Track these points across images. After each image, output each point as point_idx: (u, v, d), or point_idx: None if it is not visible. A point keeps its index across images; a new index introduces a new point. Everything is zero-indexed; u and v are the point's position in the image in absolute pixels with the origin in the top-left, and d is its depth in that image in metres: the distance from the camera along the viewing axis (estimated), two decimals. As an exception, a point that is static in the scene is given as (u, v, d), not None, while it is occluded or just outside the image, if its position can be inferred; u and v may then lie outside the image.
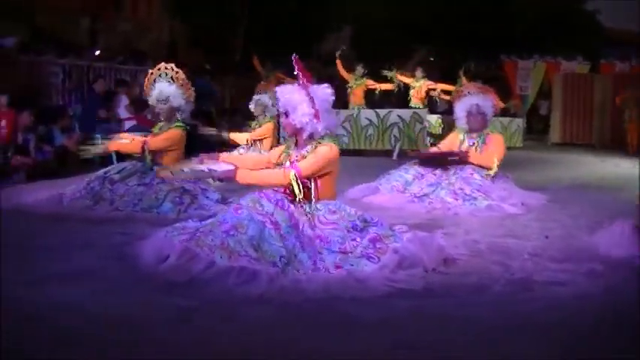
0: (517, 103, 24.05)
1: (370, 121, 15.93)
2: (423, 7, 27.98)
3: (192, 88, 8.57)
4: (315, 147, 5.40)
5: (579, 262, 5.34)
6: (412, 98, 17.35)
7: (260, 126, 10.98)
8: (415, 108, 16.66)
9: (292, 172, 5.26)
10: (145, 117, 9.12)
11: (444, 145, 9.26)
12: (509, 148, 19.09)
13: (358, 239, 5.14)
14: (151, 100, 8.39)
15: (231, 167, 5.51)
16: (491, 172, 8.56)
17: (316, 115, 5.33)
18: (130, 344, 3.60)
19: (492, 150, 8.83)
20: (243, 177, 5.47)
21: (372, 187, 8.89)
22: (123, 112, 13.86)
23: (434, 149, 9.37)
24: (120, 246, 5.73)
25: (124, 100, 14.16)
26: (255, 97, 11.23)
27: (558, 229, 6.86)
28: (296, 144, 5.59)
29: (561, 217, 7.57)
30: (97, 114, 13.56)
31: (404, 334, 3.82)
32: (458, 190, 8.25)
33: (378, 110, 16.35)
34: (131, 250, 5.48)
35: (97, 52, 17.16)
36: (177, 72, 8.41)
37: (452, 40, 27.75)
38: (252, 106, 11.25)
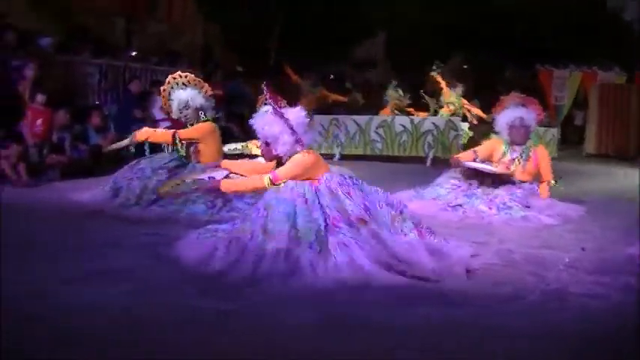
0: (552, 114, 23.88)
1: (404, 127, 15.85)
2: (460, 13, 27.86)
3: (207, 85, 8.76)
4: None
5: (615, 276, 5.27)
6: (444, 112, 17.12)
7: None
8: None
9: (267, 177, 5.41)
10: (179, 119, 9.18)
11: (482, 152, 8.95)
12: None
13: None
14: (175, 114, 8.54)
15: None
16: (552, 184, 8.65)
17: (298, 141, 5.48)
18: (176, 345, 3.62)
19: (544, 166, 8.81)
20: (227, 187, 5.69)
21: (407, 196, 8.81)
22: (158, 112, 13.89)
23: (470, 153, 9.03)
24: (155, 246, 5.75)
25: (159, 101, 14.18)
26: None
27: (594, 241, 6.78)
28: (278, 165, 5.64)
29: (597, 229, 7.48)
30: (132, 114, 13.63)
31: (435, 341, 3.79)
32: (493, 198, 8.16)
33: (412, 117, 16.31)
34: (168, 250, 5.52)
35: (133, 53, 17.24)
36: (186, 76, 8.63)
37: (487, 48, 27.58)
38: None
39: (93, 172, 10.31)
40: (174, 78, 8.61)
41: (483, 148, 9.06)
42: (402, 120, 16.09)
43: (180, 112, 8.43)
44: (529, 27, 28.47)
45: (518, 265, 5.63)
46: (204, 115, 8.47)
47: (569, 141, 24.74)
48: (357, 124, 16.09)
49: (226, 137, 10.22)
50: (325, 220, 5.14)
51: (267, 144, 5.57)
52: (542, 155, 8.87)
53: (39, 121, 10.76)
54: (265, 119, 5.52)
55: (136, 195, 7.88)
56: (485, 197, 8.24)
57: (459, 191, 8.50)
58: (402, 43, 27.62)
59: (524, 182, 8.57)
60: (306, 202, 5.18)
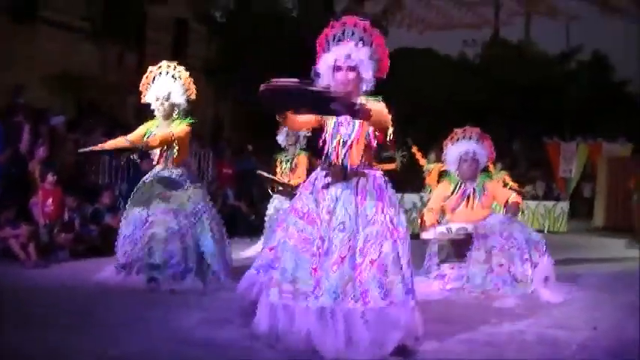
0: (560, 186, 23.98)
1: (414, 204, 15.81)
2: (472, 84, 28.18)
3: (194, 89, 8.45)
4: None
5: (628, 357, 5.23)
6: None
7: (292, 161, 9.98)
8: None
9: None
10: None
11: (437, 204, 8.62)
12: (553, 233, 19.08)
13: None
14: (149, 97, 8.28)
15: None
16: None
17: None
18: None
19: (500, 190, 8.66)
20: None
21: None
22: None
23: (430, 217, 8.46)
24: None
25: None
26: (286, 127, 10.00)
27: (606, 320, 6.70)
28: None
29: (608, 307, 7.41)
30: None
31: None
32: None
33: (422, 194, 16.27)
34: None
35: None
36: (180, 70, 8.39)
37: (496, 120, 27.80)
38: (281, 138, 10.04)
39: (103, 252, 10.28)
40: (169, 66, 8.38)
41: (437, 200, 8.68)
42: (412, 197, 16.03)
43: (157, 100, 8.22)
44: (539, 100, 28.72)
45: (532, 348, 5.55)
46: (179, 114, 8.31)
47: (579, 214, 24.68)
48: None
49: (236, 217, 10.14)
50: None
51: (352, 69, 5.26)
52: (493, 185, 8.69)
53: (49, 201, 10.79)
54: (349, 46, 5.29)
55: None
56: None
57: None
58: (416, 112, 27.92)
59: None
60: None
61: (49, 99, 17.05)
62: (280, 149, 10.12)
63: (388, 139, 5.26)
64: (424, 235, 8.28)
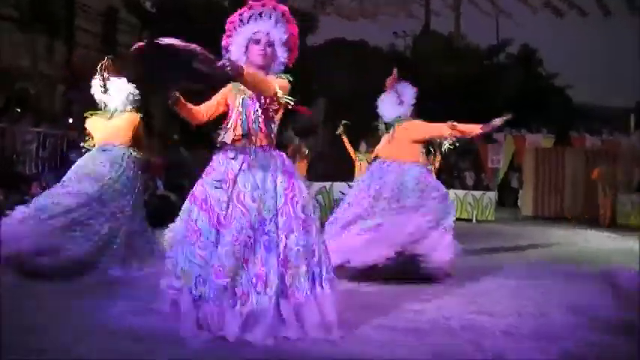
0: (489, 177, 24.35)
1: (343, 194, 15.89)
2: (403, 76, 28.32)
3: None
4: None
5: (552, 341, 5.33)
6: (358, 171, 17.11)
7: None
8: None
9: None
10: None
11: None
12: (482, 222, 19.40)
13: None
14: (112, 90, 8.37)
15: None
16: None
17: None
18: None
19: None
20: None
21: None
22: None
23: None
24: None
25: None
26: None
27: (531, 306, 6.83)
28: None
29: (534, 293, 7.54)
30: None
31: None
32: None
33: (350, 183, 16.34)
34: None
35: (70, 121, 17.14)
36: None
37: (422, 114, 28.01)
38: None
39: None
40: None
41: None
42: (340, 186, 16.17)
43: (119, 94, 8.36)
44: (466, 93, 29.03)
45: (456, 333, 5.61)
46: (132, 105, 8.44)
47: (507, 204, 25.09)
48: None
49: (167, 206, 10.08)
50: None
51: (270, 45, 5.31)
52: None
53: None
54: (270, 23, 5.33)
55: None
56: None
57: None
58: (340, 108, 28.00)
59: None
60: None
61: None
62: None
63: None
64: None
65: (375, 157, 8.87)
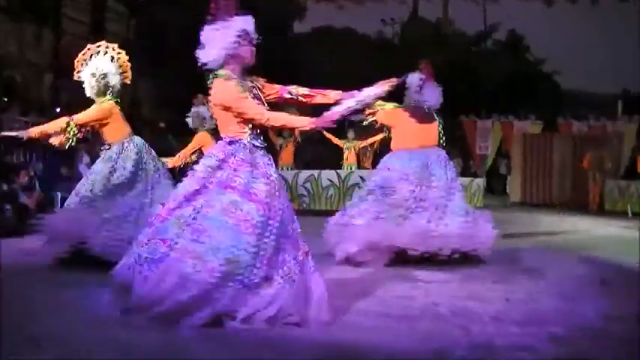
0: (477, 163, 24.42)
1: (331, 181, 15.97)
2: (392, 64, 28.34)
3: (130, 73, 8.58)
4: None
5: (541, 326, 5.37)
6: (346, 159, 17.14)
7: None
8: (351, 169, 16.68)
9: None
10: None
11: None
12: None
13: None
14: (84, 75, 8.31)
15: None
16: None
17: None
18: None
19: None
20: None
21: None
22: (84, 169, 13.77)
23: None
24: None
25: (85, 158, 14.11)
26: (194, 109, 10.60)
27: (520, 292, 6.86)
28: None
29: (523, 279, 7.58)
30: (59, 172, 13.47)
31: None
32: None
33: (339, 171, 16.41)
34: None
35: (58, 110, 17.09)
36: (119, 52, 8.49)
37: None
38: (189, 120, 10.57)
39: (18, 232, 10.10)
40: (107, 47, 8.47)
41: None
42: (328, 174, 16.19)
43: (93, 77, 8.27)
44: (454, 79, 29.01)
45: (446, 319, 5.66)
46: (112, 94, 8.36)
47: (495, 190, 25.13)
48: (284, 179, 16.08)
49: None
50: None
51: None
52: None
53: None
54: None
55: None
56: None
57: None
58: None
59: None
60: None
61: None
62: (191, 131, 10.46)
63: None
64: None
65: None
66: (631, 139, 23.59)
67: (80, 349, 4.56)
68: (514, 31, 37.54)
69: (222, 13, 5.36)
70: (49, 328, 5.03)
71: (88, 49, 8.43)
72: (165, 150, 14.24)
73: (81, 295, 6.16)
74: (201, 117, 10.28)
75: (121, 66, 8.45)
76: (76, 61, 8.41)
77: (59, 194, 10.77)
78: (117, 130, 8.23)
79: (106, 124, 8.18)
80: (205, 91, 5.55)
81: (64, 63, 19.02)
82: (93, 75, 8.25)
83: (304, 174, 16.27)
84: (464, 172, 23.80)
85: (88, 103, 8.28)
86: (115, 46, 8.56)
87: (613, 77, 37.41)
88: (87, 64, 8.33)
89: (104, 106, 8.18)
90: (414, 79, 8.76)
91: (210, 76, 5.38)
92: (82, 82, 8.31)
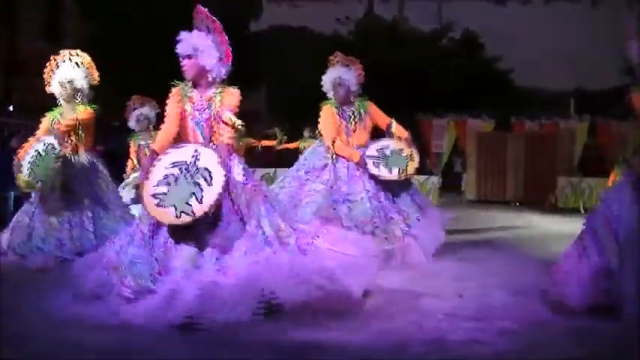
0: (433, 162, 24.54)
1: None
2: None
3: (97, 73, 8.70)
4: (222, 90, 5.77)
5: (492, 321, 5.44)
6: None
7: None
8: None
9: None
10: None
11: (334, 131, 8.79)
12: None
13: None
14: (54, 86, 8.50)
15: None
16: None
17: (221, 59, 5.69)
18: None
19: (379, 112, 9.07)
20: None
21: None
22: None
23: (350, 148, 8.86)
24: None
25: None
26: (136, 112, 10.68)
27: (473, 288, 6.92)
28: (194, 86, 5.79)
29: (477, 275, 7.65)
30: (11, 170, 13.28)
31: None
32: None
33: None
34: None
35: (10, 108, 16.91)
36: (82, 57, 8.64)
37: (371, 97, 28.11)
38: (132, 123, 10.71)
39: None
40: (71, 55, 8.60)
41: (334, 128, 8.86)
42: (285, 172, 16.14)
43: (61, 86, 8.45)
44: (410, 79, 29.20)
45: (400, 315, 5.71)
46: (82, 98, 8.55)
47: (450, 188, 25.29)
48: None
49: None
50: None
51: (189, 57, 5.69)
52: (371, 106, 9.04)
53: None
54: (193, 33, 5.72)
55: None
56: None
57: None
58: (281, 95, 28.23)
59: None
60: None
61: None
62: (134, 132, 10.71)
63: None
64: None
65: None
66: (583, 136, 23.95)
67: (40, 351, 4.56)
68: (468, 29, 37.73)
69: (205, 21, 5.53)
70: (6, 331, 5.02)
71: (54, 59, 8.58)
72: (119, 149, 14.22)
73: (36, 296, 6.16)
74: (148, 117, 10.65)
75: (87, 68, 8.61)
76: (45, 74, 8.55)
77: (12, 194, 10.64)
78: (89, 140, 8.56)
79: (86, 129, 8.49)
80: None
81: (17, 63, 18.89)
82: (62, 84, 8.45)
83: (259, 172, 16.24)
84: (419, 171, 23.86)
85: (44, 102, 8.41)
86: (78, 51, 8.68)
87: (567, 75, 37.78)
88: (55, 74, 8.50)
89: (89, 110, 8.50)
90: None
91: None
92: (34, 82, 8.47)
